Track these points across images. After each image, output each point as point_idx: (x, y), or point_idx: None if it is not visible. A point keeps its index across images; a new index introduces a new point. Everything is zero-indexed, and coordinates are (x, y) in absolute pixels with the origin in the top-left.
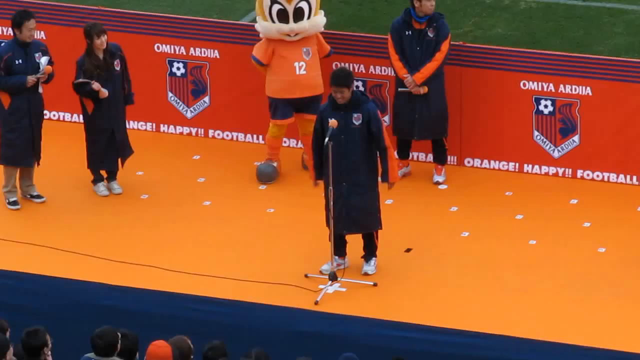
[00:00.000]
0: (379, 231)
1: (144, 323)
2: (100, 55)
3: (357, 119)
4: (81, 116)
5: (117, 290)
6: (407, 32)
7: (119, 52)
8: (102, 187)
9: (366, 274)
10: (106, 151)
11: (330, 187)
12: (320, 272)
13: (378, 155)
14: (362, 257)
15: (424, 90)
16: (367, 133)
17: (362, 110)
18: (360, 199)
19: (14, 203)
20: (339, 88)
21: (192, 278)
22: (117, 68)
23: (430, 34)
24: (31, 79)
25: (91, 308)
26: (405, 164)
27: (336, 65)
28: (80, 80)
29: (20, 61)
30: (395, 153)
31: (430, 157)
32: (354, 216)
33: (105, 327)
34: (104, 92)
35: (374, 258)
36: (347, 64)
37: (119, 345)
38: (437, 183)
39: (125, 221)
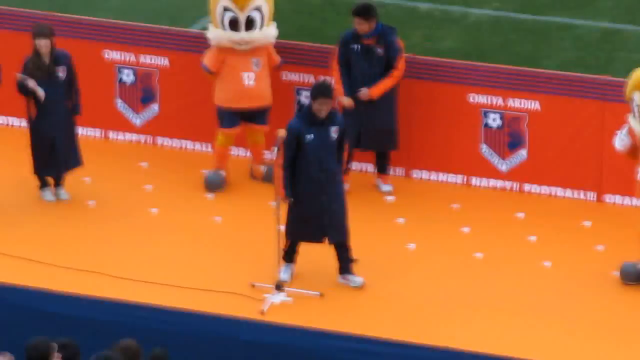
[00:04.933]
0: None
1: (88, 330)
2: (46, 59)
3: (335, 132)
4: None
5: (61, 297)
6: (354, 46)
7: (67, 61)
8: (48, 193)
9: (361, 285)
10: (50, 158)
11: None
12: (277, 281)
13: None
14: (341, 274)
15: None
16: (338, 143)
17: (338, 123)
18: (341, 206)
19: None
20: (326, 100)
21: (137, 285)
22: (61, 75)
23: (380, 50)
24: None
25: (35, 314)
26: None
27: (285, 75)
28: (20, 75)
29: None
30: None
31: (370, 168)
32: (336, 224)
33: (39, 337)
34: (40, 92)
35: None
36: (296, 74)
37: (54, 356)
38: (387, 192)
39: (71, 227)
